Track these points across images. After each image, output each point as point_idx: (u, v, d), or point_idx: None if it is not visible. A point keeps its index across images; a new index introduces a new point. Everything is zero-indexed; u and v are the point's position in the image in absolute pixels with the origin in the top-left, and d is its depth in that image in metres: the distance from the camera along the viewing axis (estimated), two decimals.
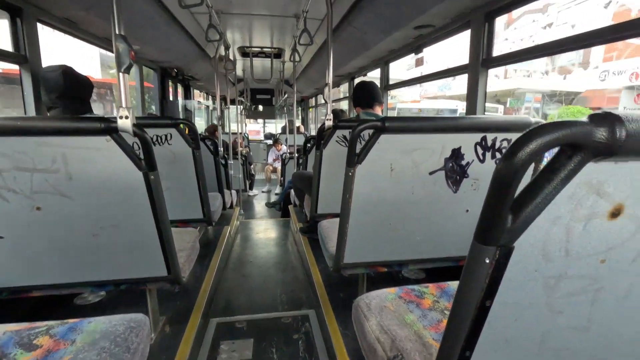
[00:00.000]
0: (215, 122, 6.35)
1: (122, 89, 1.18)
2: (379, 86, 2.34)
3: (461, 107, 14.36)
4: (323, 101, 7.95)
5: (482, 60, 2.00)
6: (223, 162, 3.68)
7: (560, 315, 0.65)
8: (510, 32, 19.57)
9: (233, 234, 3.52)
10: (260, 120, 11.59)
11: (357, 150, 1.39)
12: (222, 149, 3.84)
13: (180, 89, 5.61)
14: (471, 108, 2.08)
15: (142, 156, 1.21)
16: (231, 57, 4.95)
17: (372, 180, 1.41)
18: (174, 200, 2.17)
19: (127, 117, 1.13)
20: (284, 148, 7.35)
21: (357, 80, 4.90)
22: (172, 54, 3.86)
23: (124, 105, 1.16)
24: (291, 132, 5.58)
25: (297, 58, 3.91)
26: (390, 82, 3.63)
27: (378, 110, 2.18)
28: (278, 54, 5.02)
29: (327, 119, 2.10)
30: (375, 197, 1.44)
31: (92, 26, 2.44)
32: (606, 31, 1.44)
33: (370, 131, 1.35)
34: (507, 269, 0.56)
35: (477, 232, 0.55)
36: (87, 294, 1.96)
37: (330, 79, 2.09)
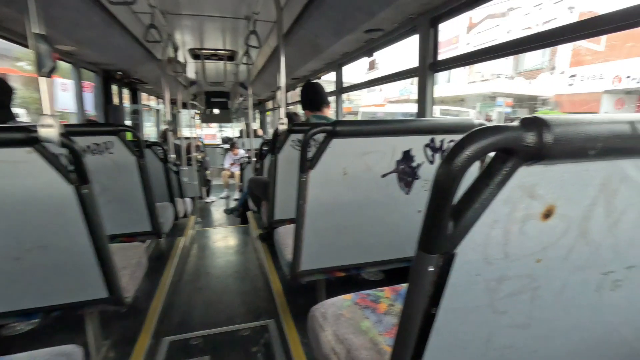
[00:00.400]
0: (165, 127, 6.05)
1: (45, 94, 1.06)
2: (324, 88, 2.33)
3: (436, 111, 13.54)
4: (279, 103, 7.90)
5: (429, 64, 2.07)
6: (175, 169, 3.50)
7: (503, 315, 0.66)
8: (472, 36, 18.95)
9: (188, 245, 3.36)
10: (215, 125, 11.27)
11: (311, 155, 1.37)
12: (173, 155, 3.66)
13: (127, 93, 5.28)
14: (421, 110, 2.14)
15: (72, 168, 1.09)
16: (182, 59, 4.75)
17: (326, 184, 1.40)
18: (118, 214, 2.01)
19: (51, 126, 1.01)
20: (241, 152, 7.18)
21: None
22: (115, 55, 3.61)
23: (47, 112, 1.04)
24: (248, 135, 5.46)
25: (249, 61, 3.83)
26: (345, 85, 3.67)
27: (327, 112, 2.17)
28: (231, 57, 4.89)
29: (281, 123, 2.06)
30: (329, 201, 1.43)
31: (14, 24, 2.21)
32: (551, 34, 1.45)
33: (322, 135, 1.34)
34: (451, 276, 0.56)
35: (420, 241, 0.54)
36: (15, 323, 1.75)
37: (282, 82, 2.06)
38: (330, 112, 2.31)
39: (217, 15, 3.13)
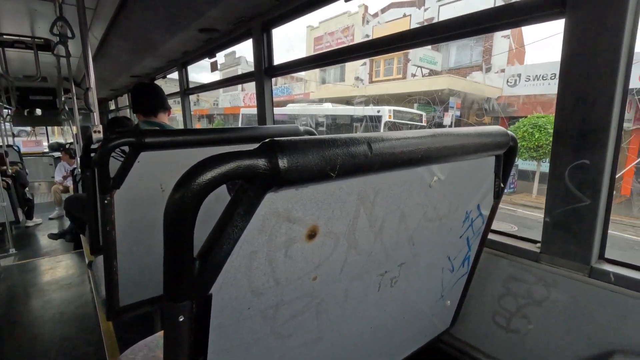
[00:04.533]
0: None
1: None
2: (163, 91, 2.07)
3: (386, 113, 10.63)
4: (127, 103, 6.89)
5: (264, 68, 2.05)
6: None
7: (290, 337, 0.65)
8: (370, 28, 15.81)
9: None
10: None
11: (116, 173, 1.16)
12: None
13: None
14: (261, 115, 2.12)
15: None
16: None
17: (138, 205, 1.21)
18: None
19: None
20: (79, 161, 5.97)
21: (165, 82, 4.40)
22: None
23: None
24: (78, 141, 4.56)
25: (75, 52, 3.16)
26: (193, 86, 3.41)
27: (164, 118, 1.92)
28: (45, 46, 3.97)
29: (95, 131, 1.73)
30: (145, 224, 1.24)
31: None
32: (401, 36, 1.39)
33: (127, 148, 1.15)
34: (213, 318, 0.50)
35: (165, 290, 0.46)
36: None
37: (92, 82, 1.73)
38: (167, 119, 2.04)
39: None
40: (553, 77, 10.60)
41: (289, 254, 0.55)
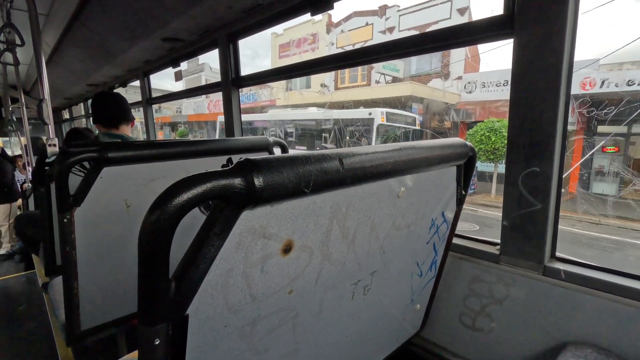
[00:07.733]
0: None
1: None
2: (127, 101, 1.99)
3: (379, 116, 9.83)
4: (83, 112, 6.52)
5: (231, 79, 2.04)
6: None
7: (267, 352, 0.65)
8: (335, 36, 16.04)
9: None
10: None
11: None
12: None
13: None
14: (229, 126, 2.10)
15: None
16: None
17: (101, 223, 1.15)
18: None
19: None
20: (28, 175, 5.55)
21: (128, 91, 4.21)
22: None
23: None
24: (28, 153, 4.26)
25: (24, 60, 2.97)
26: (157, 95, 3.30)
27: (126, 130, 1.84)
28: None
29: (51, 145, 1.64)
30: (109, 242, 1.19)
31: None
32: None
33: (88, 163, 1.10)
34: (190, 339, 0.50)
35: (139, 313, 0.45)
36: None
37: (46, 93, 1.63)
38: (129, 131, 1.94)
39: None
40: (506, 84, 11.14)
41: (265, 269, 0.56)
